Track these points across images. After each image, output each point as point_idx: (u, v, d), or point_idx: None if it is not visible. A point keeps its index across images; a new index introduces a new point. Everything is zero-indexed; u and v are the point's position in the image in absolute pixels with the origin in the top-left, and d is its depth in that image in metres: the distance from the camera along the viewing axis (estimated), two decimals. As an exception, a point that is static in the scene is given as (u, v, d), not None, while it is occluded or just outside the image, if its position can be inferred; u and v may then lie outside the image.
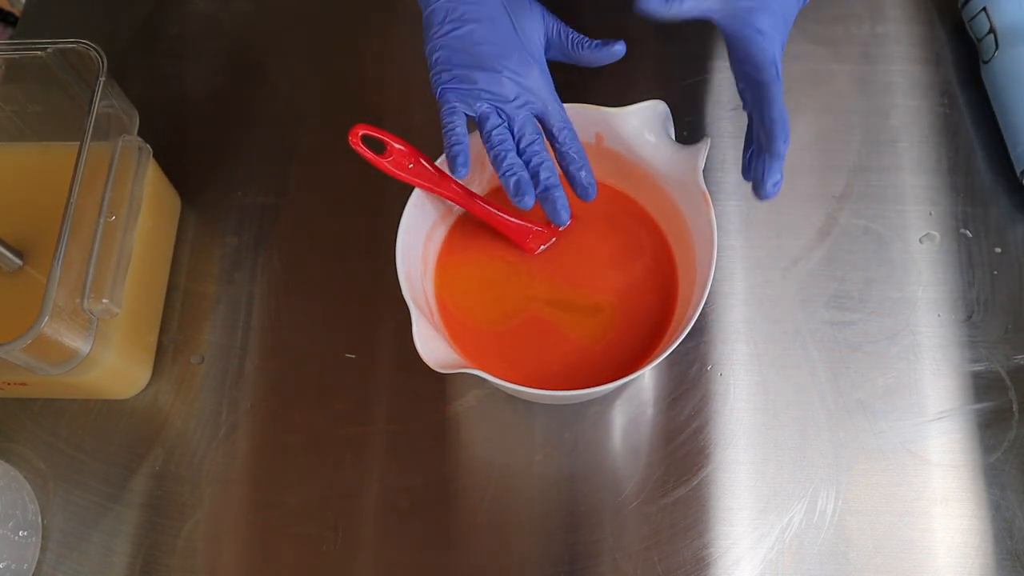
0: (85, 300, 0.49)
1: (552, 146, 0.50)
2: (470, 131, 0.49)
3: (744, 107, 0.46)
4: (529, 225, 0.54)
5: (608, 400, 0.57)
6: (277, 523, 0.55)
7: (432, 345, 0.44)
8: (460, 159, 0.47)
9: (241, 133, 0.67)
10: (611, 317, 0.52)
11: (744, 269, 0.60)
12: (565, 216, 0.50)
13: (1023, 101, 0.61)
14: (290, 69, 0.70)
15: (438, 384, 0.58)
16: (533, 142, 0.48)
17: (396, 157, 0.48)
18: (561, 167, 0.50)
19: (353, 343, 0.59)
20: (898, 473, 0.54)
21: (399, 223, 0.49)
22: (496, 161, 0.48)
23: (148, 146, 0.58)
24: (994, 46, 0.64)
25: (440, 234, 0.55)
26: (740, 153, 0.48)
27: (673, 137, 0.52)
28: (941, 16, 0.69)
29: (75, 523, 0.55)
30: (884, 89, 0.66)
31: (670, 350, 0.45)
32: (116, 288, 0.52)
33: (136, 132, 0.56)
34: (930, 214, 0.62)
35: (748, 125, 0.47)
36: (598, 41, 0.49)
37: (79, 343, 0.50)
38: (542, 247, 0.55)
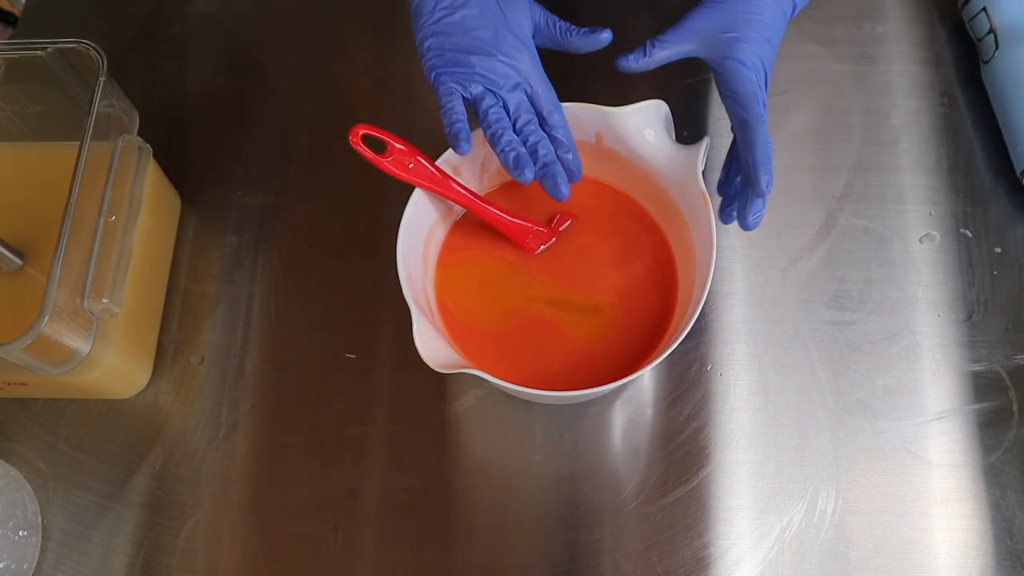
0: (85, 300, 0.49)
1: (542, 128, 0.50)
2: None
3: (732, 129, 0.48)
4: (529, 225, 0.54)
5: (608, 400, 0.57)
6: (277, 523, 0.55)
7: (432, 345, 0.44)
8: (462, 135, 0.47)
9: (241, 133, 0.67)
10: (611, 317, 0.52)
11: (744, 269, 0.60)
12: (566, 190, 0.50)
13: (1023, 101, 0.61)
14: (290, 69, 0.70)
15: (438, 384, 0.58)
16: (529, 122, 0.49)
17: (396, 157, 0.48)
18: None
19: (353, 343, 0.59)
20: (898, 473, 0.54)
21: (399, 223, 0.49)
22: (494, 139, 0.48)
23: (148, 146, 0.58)
24: (994, 46, 0.64)
25: (440, 234, 0.55)
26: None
27: (673, 137, 0.52)
28: (941, 16, 0.69)
29: (75, 523, 0.55)
30: (884, 89, 0.66)
31: (670, 350, 0.45)
32: (116, 288, 0.52)
33: (136, 132, 0.56)
34: (930, 214, 0.62)
35: (732, 143, 0.49)
36: (585, 29, 0.50)
37: (79, 343, 0.50)
38: (542, 247, 0.55)
